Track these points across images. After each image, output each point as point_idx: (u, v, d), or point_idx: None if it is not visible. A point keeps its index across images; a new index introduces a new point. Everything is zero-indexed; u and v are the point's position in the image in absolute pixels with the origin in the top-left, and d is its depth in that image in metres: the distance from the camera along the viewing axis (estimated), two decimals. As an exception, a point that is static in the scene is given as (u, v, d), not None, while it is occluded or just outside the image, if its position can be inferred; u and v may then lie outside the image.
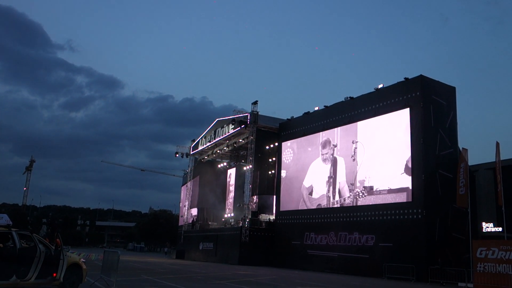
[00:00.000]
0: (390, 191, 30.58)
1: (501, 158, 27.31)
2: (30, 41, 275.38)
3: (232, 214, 52.11)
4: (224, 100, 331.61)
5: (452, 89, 31.46)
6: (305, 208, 38.84)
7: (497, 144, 27.03)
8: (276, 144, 44.97)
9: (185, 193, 62.31)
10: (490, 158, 29.05)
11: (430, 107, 30.00)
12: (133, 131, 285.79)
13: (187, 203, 60.82)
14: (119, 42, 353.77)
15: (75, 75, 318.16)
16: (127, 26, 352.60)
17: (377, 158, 32.16)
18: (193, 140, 61.07)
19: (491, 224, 31.34)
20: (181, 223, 63.32)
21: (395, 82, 32.47)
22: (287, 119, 44.04)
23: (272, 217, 43.99)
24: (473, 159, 38.02)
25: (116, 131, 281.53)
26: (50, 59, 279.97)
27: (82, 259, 13.77)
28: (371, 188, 32.03)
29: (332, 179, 36.16)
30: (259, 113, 45.10)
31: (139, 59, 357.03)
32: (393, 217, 30.08)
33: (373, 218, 31.59)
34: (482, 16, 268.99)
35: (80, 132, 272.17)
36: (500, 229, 29.52)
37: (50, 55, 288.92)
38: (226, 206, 56.91)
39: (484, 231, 31.44)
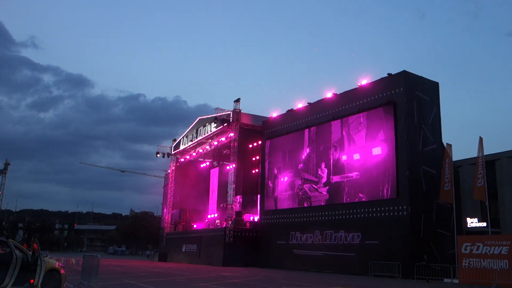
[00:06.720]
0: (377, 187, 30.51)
1: (485, 153, 27.49)
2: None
3: (216, 215, 51.53)
4: (199, 99, 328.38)
5: (435, 85, 31.58)
6: (290, 207, 38.55)
7: (481, 139, 27.18)
8: (260, 142, 44.55)
9: (167, 194, 61.36)
10: (474, 153, 29.17)
11: (414, 102, 30.02)
12: (105, 130, 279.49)
13: (169, 204, 59.92)
14: (85, 40, 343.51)
15: (42, 74, 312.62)
16: (92, 23, 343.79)
17: (361, 153, 32.03)
18: (174, 140, 60.25)
19: (475, 220, 31.67)
20: (163, 225, 62.36)
21: (378, 78, 32.47)
22: (270, 116, 43.69)
23: (257, 217, 43.60)
24: (456, 155, 38.38)
25: (88, 131, 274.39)
26: (14, 58, 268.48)
27: (60, 264, 13.25)
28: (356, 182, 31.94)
29: (316, 176, 35.96)
30: (241, 111, 44.64)
31: (107, 57, 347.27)
32: (378, 214, 29.99)
33: (358, 215, 31.45)
34: (458, 11, 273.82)
35: (50, 133, 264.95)
36: (484, 224, 29.79)
37: (14, 53, 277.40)
38: (209, 207, 56.29)
39: (468, 226, 31.73)
